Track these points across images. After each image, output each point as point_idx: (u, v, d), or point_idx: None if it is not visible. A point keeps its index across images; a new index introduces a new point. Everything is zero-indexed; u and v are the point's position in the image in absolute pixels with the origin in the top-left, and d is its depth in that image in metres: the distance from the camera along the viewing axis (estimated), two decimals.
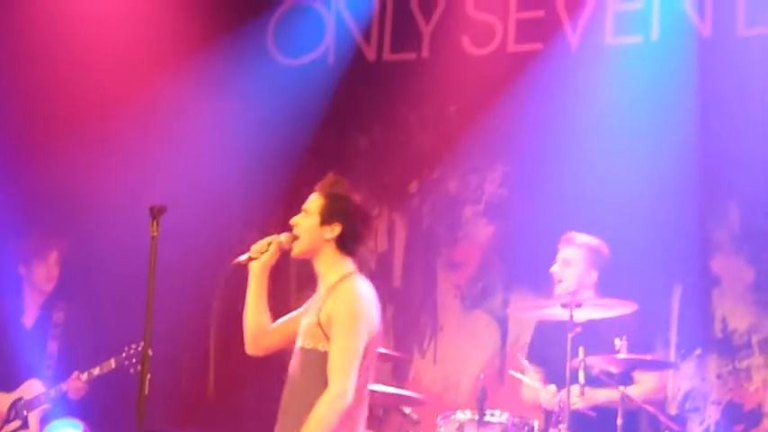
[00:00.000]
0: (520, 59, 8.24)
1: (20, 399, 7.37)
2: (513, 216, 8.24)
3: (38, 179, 7.95)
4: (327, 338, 4.92)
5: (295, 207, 8.76)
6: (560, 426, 6.24)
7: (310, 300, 5.19)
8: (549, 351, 6.81)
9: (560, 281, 6.79)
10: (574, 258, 6.81)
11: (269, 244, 5.18)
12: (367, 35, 8.77)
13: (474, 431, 6.20)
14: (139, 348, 6.67)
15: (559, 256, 6.85)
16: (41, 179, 7.91)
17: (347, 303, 4.95)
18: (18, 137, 8.37)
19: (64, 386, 7.21)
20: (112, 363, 7.08)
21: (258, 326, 5.19)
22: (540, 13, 8.32)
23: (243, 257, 5.18)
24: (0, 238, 7.38)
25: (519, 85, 8.10)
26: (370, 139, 8.75)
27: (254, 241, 8.81)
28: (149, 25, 8.61)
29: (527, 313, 7.24)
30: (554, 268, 6.83)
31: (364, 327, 4.93)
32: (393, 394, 7.03)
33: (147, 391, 5.30)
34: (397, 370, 8.28)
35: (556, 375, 6.60)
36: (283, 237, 5.19)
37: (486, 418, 6.21)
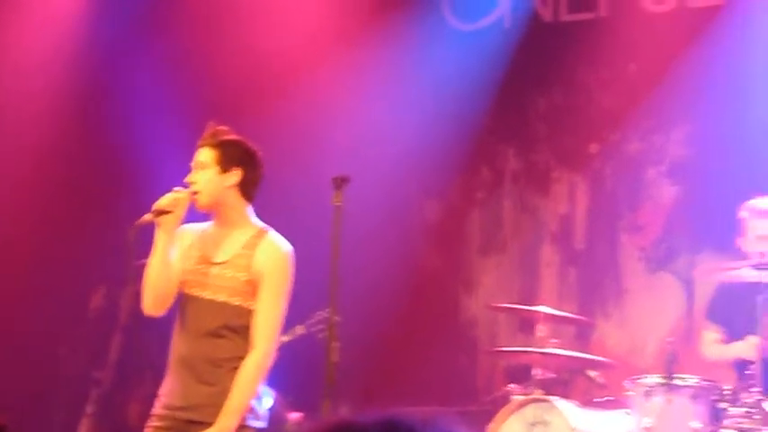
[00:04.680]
0: (701, 15, 8.04)
1: None
2: (698, 176, 8.08)
3: None
4: (254, 297, 5.06)
5: (474, 173, 8.83)
6: (752, 389, 6.09)
7: (188, 245, 5.18)
8: (732, 311, 6.65)
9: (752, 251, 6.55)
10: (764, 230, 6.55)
11: (177, 198, 5.07)
12: None
13: (663, 395, 6.10)
14: (326, 315, 6.74)
15: (756, 232, 6.57)
16: None
17: (280, 264, 5.11)
18: (207, 112, 8.59)
19: None
20: (301, 329, 7.19)
21: (168, 282, 5.13)
22: None
23: (148, 216, 5.06)
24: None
25: (701, 41, 7.91)
26: (550, 102, 8.67)
27: (434, 210, 8.91)
28: None
29: (715, 275, 7.08)
30: (747, 246, 6.57)
31: (290, 287, 5.13)
32: (577, 358, 6.99)
33: (336, 360, 5.40)
34: (581, 334, 8.22)
35: (738, 335, 6.46)
36: (184, 192, 5.11)
37: (676, 382, 6.11)
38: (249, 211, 5.22)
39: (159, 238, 5.09)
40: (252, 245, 5.13)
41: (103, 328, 8.80)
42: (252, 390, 5.05)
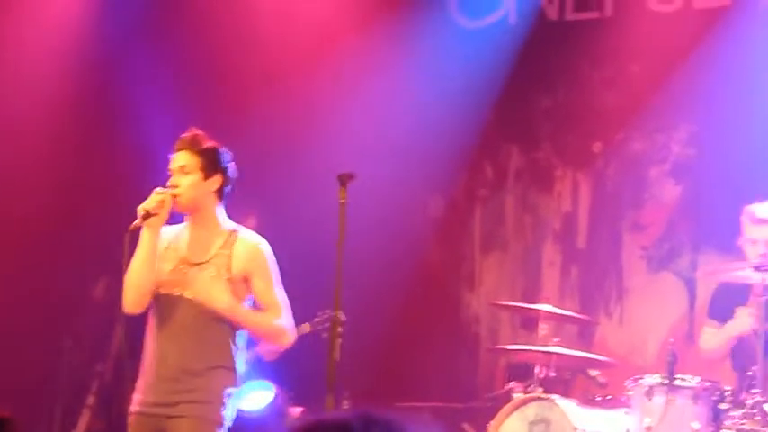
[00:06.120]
0: (707, 17, 8.05)
1: None
2: (701, 176, 8.10)
3: (234, 144, 8.17)
4: (234, 296, 5.29)
5: (478, 171, 8.84)
6: (753, 390, 6.10)
7: (165, 247, 5.38)
8: (732, 311, 6.67)
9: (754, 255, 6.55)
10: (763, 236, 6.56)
11: (162, 201, 5.28)
12: None
13: (664, 395, 6.12)
14: (332, 313, 6.75)
15: (749, 235, 6.58)
16: (236, 144, 8.11)
17: (259, 256, 5.39)
18: (212, 107, 8.61)
19: (258, 349, 7.37)
20: (307, 327, 7.20)
21: (151, 281, 5.32)
22: None
23: (138, 220, 5.26)
24: None
25: (706, 43, 7.92)
26: (554, 100, 8.68)
27: (437, 207, 8.92)
28: None
29: (717, 276, 7.10)
30: (749, 249, 6.57)
31: (278, 274, 5.44)
32: (579, 357, 7.01)
33: (338, 357, 5.42)
34: (583, 333, 8.24)
35: None
36: (167, 193, 5.32)
37: (677, 383, 6.12)
38: (221, 212, 5.46)
39: (145, 237, 5.32)
40: (228, 245, 5.37)
41: (105, 321, 8.82)
42: (262, 325, 5.37)
